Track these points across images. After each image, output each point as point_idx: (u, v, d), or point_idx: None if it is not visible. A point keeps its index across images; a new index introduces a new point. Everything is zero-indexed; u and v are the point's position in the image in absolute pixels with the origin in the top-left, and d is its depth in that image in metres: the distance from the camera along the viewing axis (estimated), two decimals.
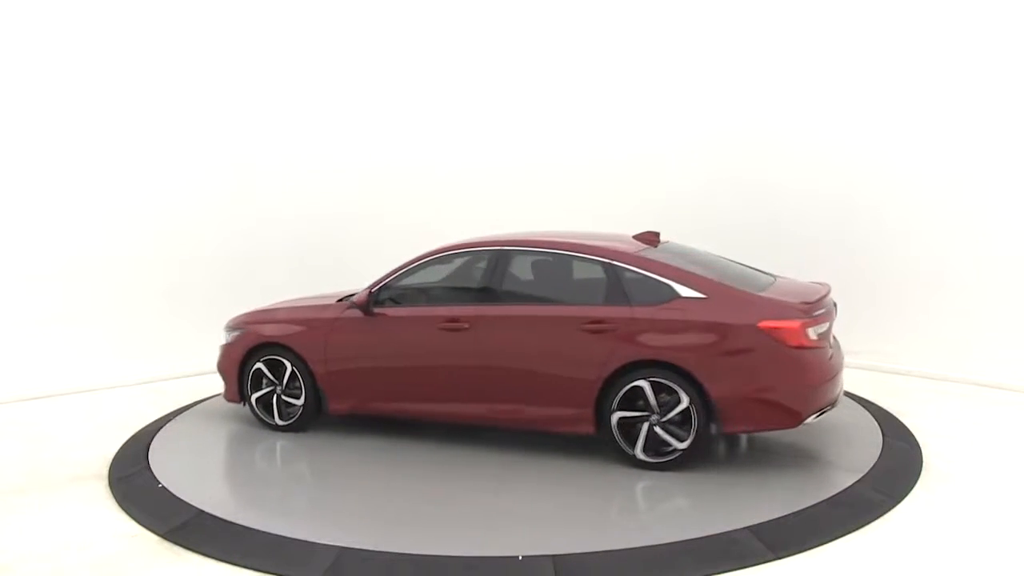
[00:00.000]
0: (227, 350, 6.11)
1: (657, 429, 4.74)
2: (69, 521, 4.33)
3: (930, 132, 7.17)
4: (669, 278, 4.90)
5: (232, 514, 4.27)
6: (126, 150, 7.65)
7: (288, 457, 5.61)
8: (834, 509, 4.23)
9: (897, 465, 4.89)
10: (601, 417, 4.88)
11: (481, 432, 5.42)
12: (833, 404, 4.96)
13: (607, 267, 5.04)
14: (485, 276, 5.36)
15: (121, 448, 5.54)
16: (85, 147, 7.43)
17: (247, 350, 5.92)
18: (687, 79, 9.00)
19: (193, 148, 8.02)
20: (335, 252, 8.53)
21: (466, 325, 5.20)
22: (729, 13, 8.62)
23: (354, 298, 5.64)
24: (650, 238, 5.59)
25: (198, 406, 6.64)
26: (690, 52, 8.95)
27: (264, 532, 4.05)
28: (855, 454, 5.04)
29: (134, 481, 4.89)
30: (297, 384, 5.77)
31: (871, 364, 7.40)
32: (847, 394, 6.47)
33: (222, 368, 6.15)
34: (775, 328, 4.60)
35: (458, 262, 5.59)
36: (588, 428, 4.94)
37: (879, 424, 5.68)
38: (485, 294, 5.32)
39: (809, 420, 4.72)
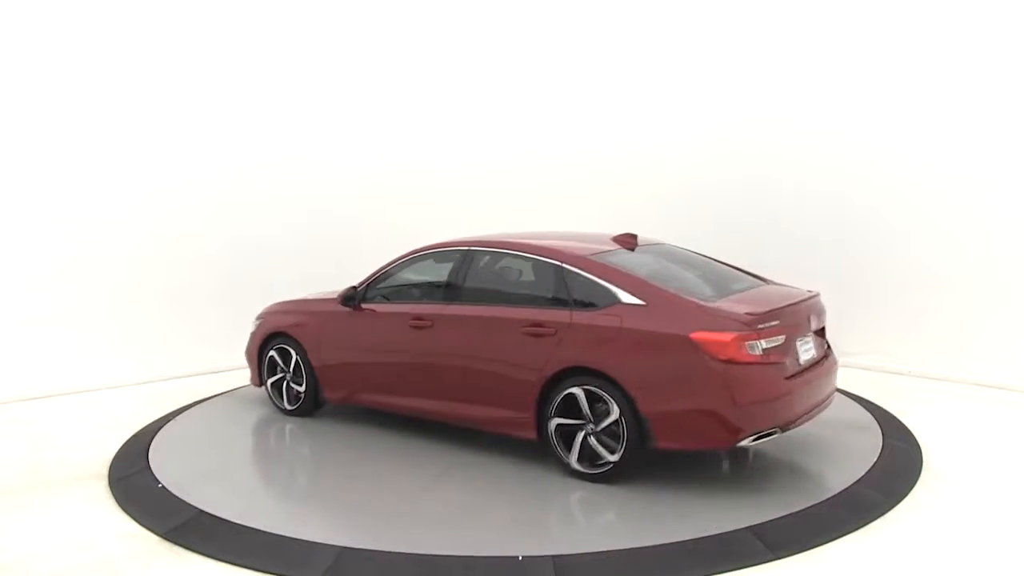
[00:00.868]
0: (251, 338, 6.61)
1: (591, 439, 4.59)
2: (69, 521, 4.33)
3: (930, 132, 7.17)
4: (611, 283, 4.69)
5: (232, 514, 4.26)
6: (127, 151, 7.64)
7: (288, 457, 5.62)
8: (834, 509, 4.23)
9: (897, 465, 4.89)
10: (542, 423, 4.79)
11: (481, 432, 5.41)
12: (790, 424, 4.49)
13: (556, 269, 4.93)
14: (450, 276, 5.46)
15: (121, 448, 5.53)
16: (85, 148, 7.43)
17: (264, 338, 6.41)
18: (686, 80, 9.00)
19: (194, 149, 8.02)
20: (336, 253, 8.52)
21: (429, 323, 5.34)
22: (727, 13, 8.62)
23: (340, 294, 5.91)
24: (626, 240, 5.37)
25: (198, 406, 6.64)
26: (689, 53, 8.95)
27: (264, 532, 4.05)
28: (855, 454, 5.04)
29: (134, 481, 4.89)
30: (301, 372, 6.15)
31: (871, 364, 7.41)
32: (847, 394, 6.48)
33: (247, 354, 6.64)
34: (705, 340, 4.28)
35: (432, 262, 5.71)
36: (530, 433, 4.87)
37: (879, 424, 5.68)
38: (448, 294, 5.41)
39: (746, 442, 4.35)
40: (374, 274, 5.86)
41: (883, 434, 5.44)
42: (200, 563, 3.80)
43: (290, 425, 6.17)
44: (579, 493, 4.52)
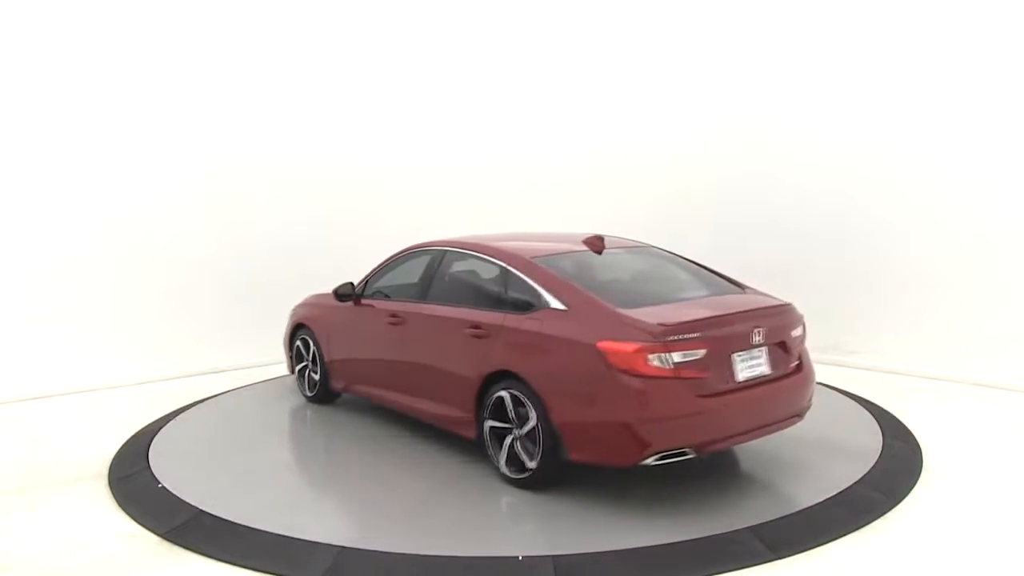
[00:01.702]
0: (286, 328, 6.98)
1: (517, 444, 4.54)
2: (69, 521, 4.33)
3: (931, 132, 7.17)
4: (542, 286, 4.61)
5: (232, 514, 4.26)
6: (127, 151, 7.65)
7: (288, 457, 5.62)
8: (834, 509, 4.23)
9: (897, 465, 4.88)
10: (481, 424, 4.79)
11: None
12: (708, 446, 4.20)
13: (501, 271, 4.94)
14: (422, 275, 5.59)
15: (121, 448, 5.53)
16: (86, 148, 7.44)
17: (292, 329, 6.85)
18: (685, 81, 9.00)
19: (194, 149, 8.03)
20: (335, 253, 8.53)
21: (402, 321, 5.53)
22: (727, 14, 8.62)
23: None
24: (593, 242, 5.23)
25: (198, 406, 6.63)
26: (689, 53, 8.95)
27: (264, 532, 4.05)
28: (855, 454, 5.03)
29: (134, 481, 4.89)
30: (317, 361, 6.54)
31: (871, 364, 7.41)
32: (847, 394, 6.48)
33: (284, 343, 7.03)
34: (609, 350, 4.08)
35: (415, 261, 5.83)
36: (471, 433, 4.88)
37: (879, 424, 5.67)
38: (419, 292, 5.54)
39: (649, 461, 4.08)
40: (372, 271, 6.09)
41: (883, 434, 5.43)
42: (200, 563, 3.80)
43: (291, 425, 6.17)
44: (580, 494, 4.51)
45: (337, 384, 6.34)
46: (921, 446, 5.23)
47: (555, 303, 4.50)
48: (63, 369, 7.24)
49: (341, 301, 6.06)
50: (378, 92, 9.12)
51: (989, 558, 3.69)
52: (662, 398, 4.05)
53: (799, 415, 4.71)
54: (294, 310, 6.90)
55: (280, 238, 8.49)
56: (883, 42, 7.44)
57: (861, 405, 6.19)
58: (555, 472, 4.44)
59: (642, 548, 3.79)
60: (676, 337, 4.09)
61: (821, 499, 4.32)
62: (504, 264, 4.93)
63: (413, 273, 5.78)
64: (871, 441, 5.30)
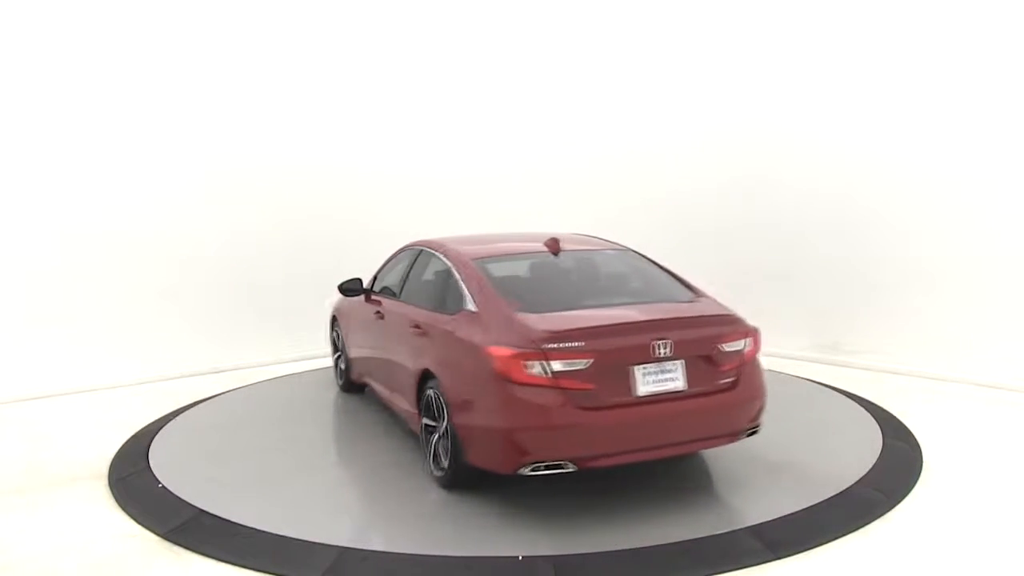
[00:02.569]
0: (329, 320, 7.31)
1: (441, 443, 4.55)
2: (69, 521, 4.33)
3: (930, 132, 7.17)
4: (467, 288, 4.59)
5: (232, 514, 4.27)
6: (127, 151, 7.65)
7: (288, 456, 5.61)
8: (834, 509, 4.23)
9: (897, 465, 4.88)
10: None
11: None
12: (591, 461, 3.99)
13: (447, 271, 5.01)
14: (403, 273, 5.76)
15: (121, 448, 5.54)
16: (85, 149, 7.44)
17: (330, 321, 7.20)
18: (684, 82, 9.00)
19: (194, 150, 8.03)
20: (334, 253, 8.53)
21: (383, 317, 5.75)
22: (727, 16, 8.62)
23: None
24: (551, 244, 5.12)
25: (198, 406, 6.64)
26: (688, 55, 8.95)
27: (264, 532, 4.05)
28: (855, 454, 5.03)
29: (134, 481, 4.89)
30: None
31: (871, 364, 7.41)
32: (847, 394, 6.48)
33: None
34: (493, 355, 4.00)
35: (405, 258, 5.96)
36: (417, 428, 4.97)
37: (879, 424, 5.67)
38: (397, 290, 5.73)
39: (527, 471, 3.96)
40: (380, 267, 6.37)
41: (883, 434, 5.43)
42: (200, 563, 3.80)
43: (291, 425, 6.17)
44: (581, 494, 4.51)
45: (354, 375, 6.63)
46: (921, 446, 5.23)
47: (470, 305, 4.49)
48: (63, 369, 7.24)
49: (345, 296, 6.28)
50: (378, 93, 9.12)
51: (989, 558, 3.69)
52: (539, 407, 3.90)
53: (732, 435, 4.36)
54: (335, 303, 7.12)
55: (281, 238, 8.49)
56: (880, 42, 7.43)
57: (861, 405, 6.19)
58: (464, 475, 4.39)
59: (642, 548, 3.79)
60: (557, 345, 3.92)
61: (821, 499, 4.31)
62: (449, 265, 5.00)
63: (398, 271, 5.95)
64: (871, 441, 5.30)
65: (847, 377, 7.06)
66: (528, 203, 9.37)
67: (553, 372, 3.90)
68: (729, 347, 4.27)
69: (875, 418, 5.83)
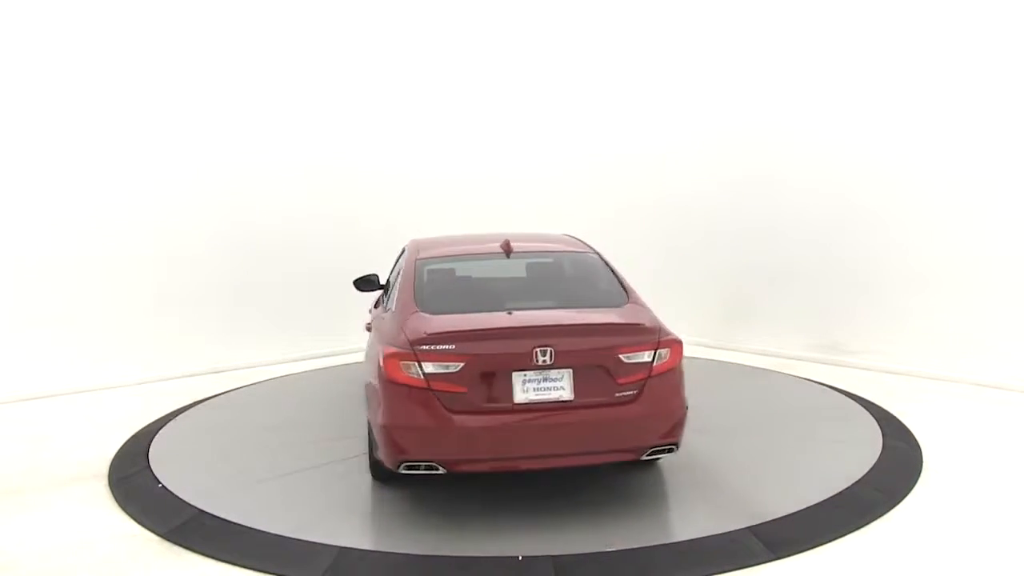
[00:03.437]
0: None
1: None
2: (69, 521, 4.33)
3: (930, 132, 7.18)
4: (400, 287, 4.76)
5: (232, 514, 4.27)
6: (127, 151, 7.66)
7: (288, 456, 5.61)
8: (834, 509, 4.23)
9: (897, 465, 4.88)
10: None
11: None
12: (461, 464, 3.99)
13: (399, 271, 5.11)
14: (391, 274, 5.73)
15: (121, 448, 5.54)
16: (85, 149, 7.44)
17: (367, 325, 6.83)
18: (684, 83, 9.01)
19: (193, 150, 8.03)
20: (337, 252, 8.54)
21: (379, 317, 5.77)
22: (726, 18, 8.63)
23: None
24: (504, 245, 4.99)
25: (198, 406, 6.64)
26: (687, 56, 8.96)
27: (264, 532, 4.06)
28: (855, 454, 5.03)
29: (134, 481, 4.89)
30: None
31: (870, 364, 7.41)
32: (847, 394, 6.48)
33: None
34: (383, 354, 4.13)
35: (400, 261, 5.94)
36: None
37: (879, 424, 5.67)
38: (388, 292, 5.65)
39: (402, 469, 4.02)
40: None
41: (883, 434, 5.43)
42: (200, 563, 3.80)
43: (291, 425, 6.17)
44: (581, 494, 4.51)
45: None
46: (921, 446, 5.23)
47: (392, 304, 4.68)
48: (63, 369, 7.24)
49: (358, 290, 5.95)
50: (378, 93, 9.12)
51: (989, 558, 3.69)
52: (409, 407, 3.96)
53: (634, 451, 4.12)
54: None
55: (281, 238, 8.49)
56: (878, 43, 7.44)
57: (861, 405, 6.19)
58: (377, 468, 4.56)
59: (642, 548, 3.79)
60: (429, 348, 3.94)
61: (821, 499, 4.31)
62: (402, 264, 5.11)
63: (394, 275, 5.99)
64: (871, 441, 5.30)
65: (847, 377, 7.06)
66: (528, 203, 9.37)
67: (425, 374, 3.92)
68: (630, 358, 4.03)
69: (875, 418, 5.83)
